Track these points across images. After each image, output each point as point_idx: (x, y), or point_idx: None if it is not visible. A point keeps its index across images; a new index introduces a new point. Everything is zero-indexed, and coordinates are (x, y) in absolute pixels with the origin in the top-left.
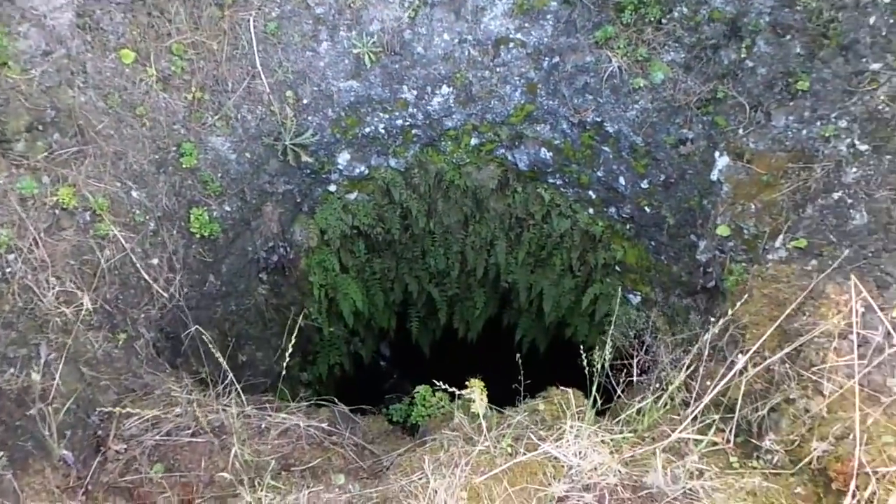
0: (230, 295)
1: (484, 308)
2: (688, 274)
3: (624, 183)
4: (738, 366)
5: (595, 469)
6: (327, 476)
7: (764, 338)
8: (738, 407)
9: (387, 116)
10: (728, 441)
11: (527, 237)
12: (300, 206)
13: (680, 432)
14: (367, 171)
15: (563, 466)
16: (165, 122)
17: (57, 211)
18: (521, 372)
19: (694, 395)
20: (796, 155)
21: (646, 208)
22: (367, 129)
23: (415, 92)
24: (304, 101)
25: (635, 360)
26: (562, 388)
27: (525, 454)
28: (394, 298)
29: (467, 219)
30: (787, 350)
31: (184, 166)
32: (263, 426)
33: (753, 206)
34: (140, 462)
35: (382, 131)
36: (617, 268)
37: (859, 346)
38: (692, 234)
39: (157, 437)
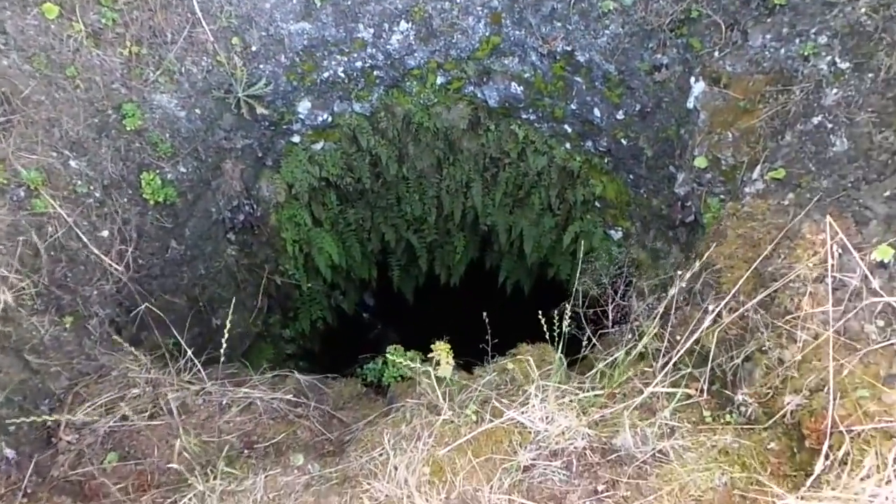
0: (197, 259)
1: (464, 252)
2: (668, 207)
3: (599, 115)
4: (710, 317)
5: (563, 434)
6: (286, 457)
7: (738, 285)
8: (710, 356)
9: (345, 59)
10: (702, 392)
11: (503, 177)
12: (263, 160)
13: (651, 388)
14: (330, 119)
15: (529, 432)
16: (102, 81)
17: None
18: (489, 331)
19: (664, 345)
20: (774, 77)
21: (622, 140)
22: (326, 74)
23: (371, 30)
24: (253, 49)
25: (610, 307)
26: (531, 344)
27: (491, 421)
28: (372, 248)
29: (440, 162)
30: (759, 297)
31: (128, 128)
32: (225, 402)
33: (731, 135)
34: (93, 452)
35: (342, 75)
36: (597, 204)
37: (835, 289)
38: (671, 165)
39: (112, 424)
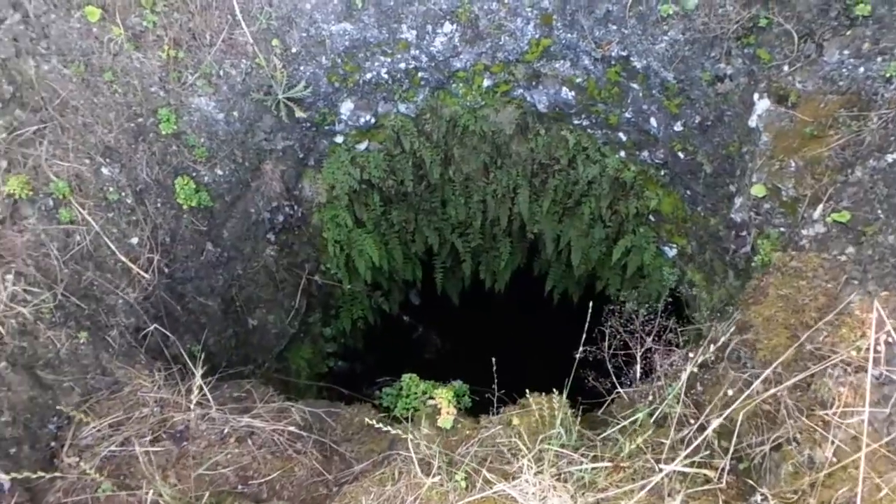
0: (235, 259)
1: (510, 259)
2: (726, 228)
3: (656, 124)
4: (738, 401)
5: None
6: None
7: (771, 367)
8: (736, 432)
9: (388, 60)
10: (721, 475)
11: (552, 184)
12: (304, 161)
13: (666, 471)
14: (374, 120)
15: None
16: (140, 85)
17: (14, 199)
18: (496, 380)
19: (688, 411)
20: (850, 99)
21: (680, 153)
22: (369, 75)
23: (414, 31)
24: (294, 50)
25: (638, 355)
26: (542, 394)
27: (482, 491)
28: (415, 250)
29: (486, 166)
30: (794, 380)
31: (164, 133)
32: (226, 431)
33: (794, 164)
34: (89, 479)
35: (386, 76)
36: (651, 217)
37: (882, 384)
38: (731, 184)
39: (113, 448)
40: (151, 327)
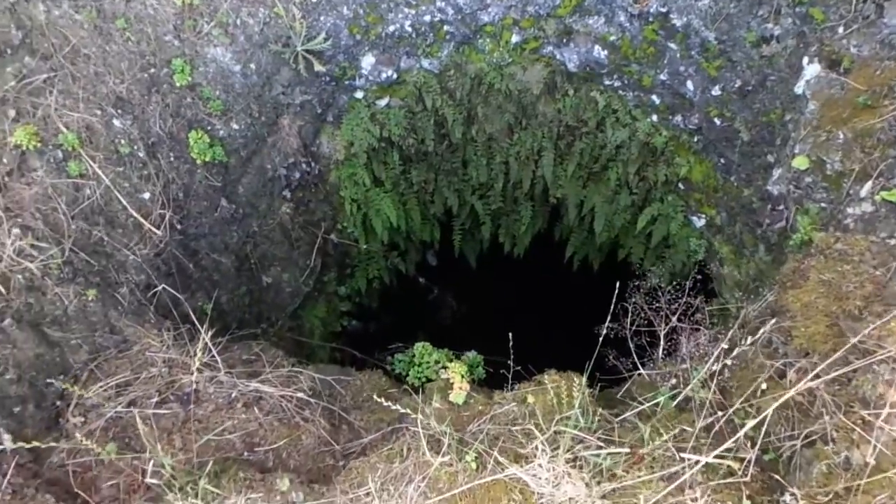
0: (250, 216)
1: (531, 223)
2: (760, 200)
3: (692, 88)
4: (771, 394)
5: (569, 502)
6: (273, 477)
7: (817, 364)
8: (765, 424)
9: (412, 12)
10: (747, 468)
11: (578, 147)
12: (323, 116)
13: (689, 462)
14: (395, 76)
15: (532, 493)
16: (153, 33)
17: (22, 150)
18: (512, 355)
19: (715, 396)
20: None
21: (716, 119)
22: (392, 28)
23: None
24: (313, 0)
25: (662, 332)
26: (560, 373)
27: (493, 473)
28: (434, 211)
29: (511, 126)
30: (834, 374)
31: (178, 84)
32: (234, 395)
33: (842, 135)
34: (94, 438)
35: (409, 29)
36: (680, 185)
37: None
38: (769, 154)
39: (119, 409)
40: (160, 287)
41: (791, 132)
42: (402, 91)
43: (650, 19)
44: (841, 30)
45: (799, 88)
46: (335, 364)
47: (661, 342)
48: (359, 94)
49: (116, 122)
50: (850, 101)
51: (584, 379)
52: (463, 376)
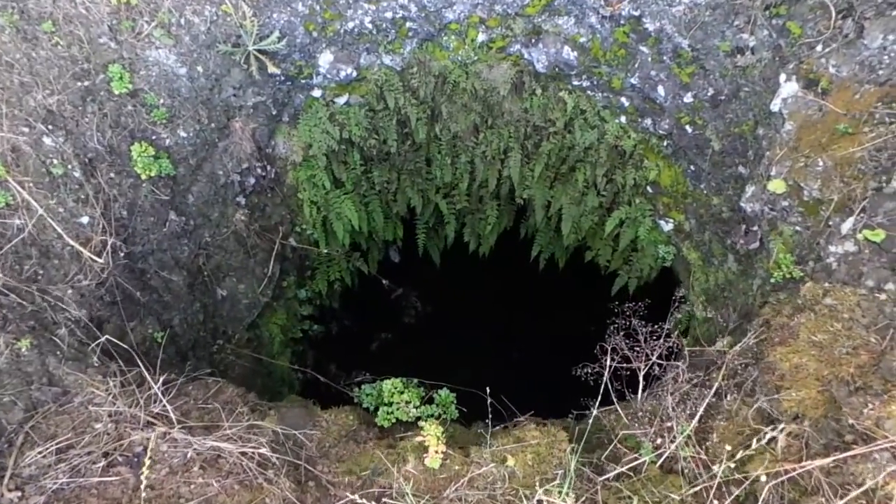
0: (201, 227)
1: (497, 223)
2: (730, 210)
3: (663, 93)
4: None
5: None
6: None
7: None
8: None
9: (373, 7)
10: None
11: (545, 148)
12: (278, 116)
13: None
14: (355, 73)
15: None
16: (86, 36)
17: None
18: (490, 413)
19: (701, 456)
20: (890, 92)
21: (687, 127)
22: (351, 24)
23: None
24: None
25: (641, 370)
26: (539, 426)
27: None
28: (397, 210)
29: (476, 126)
30: (830, 459)
31: (116, 92)
32: (189, 456)
33: (821, 162)
34: None
35: (369, 26)
36: (648, 189)
37: None
38: (740, 165)
39: (62, 478)
40: (102, 339)
41: (765, 149)
42: (362, 88)
43: (622, 22)
44: (819, 48)
45: (775, 106)
46: (299, 397)
47: (640, 386)
48: (316, 93)
49: (47, 140)
50: (828, 124)
51: (570, 443)
52: (438, 438)
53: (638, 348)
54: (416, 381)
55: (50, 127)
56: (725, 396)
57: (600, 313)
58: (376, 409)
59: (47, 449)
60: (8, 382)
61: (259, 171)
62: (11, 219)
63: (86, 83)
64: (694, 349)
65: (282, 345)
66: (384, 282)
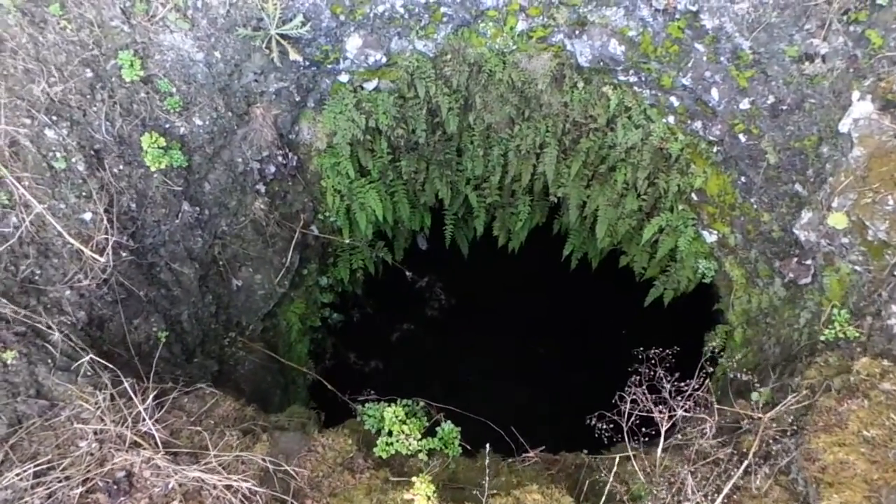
0: (217, 217)
1: (528, 219)
2: (781, 230)
3: (717, 97)
4: None
5: None
6: None
7: None
8: None
9: None
10: None
11: (584, 145)
12: (302, 103)
13: None
14: (385, 60)
15: None
16: (97, 19)
17: None
18: (489, 448)
19: None
20: None
21: (741, 135)
22: (381, 8)
23: None
24: None
25: (662, 425)
26: (542, 492)
27: None
28: (425, 201)
29: (512, 118)
30: None
31: (127, 79)
32: (171, 486)
33: (892, 200)
34: None
35: (401, 10)
36: (693, 196)
37: None
38: (797, 182)
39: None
40: (87, 358)
41: (828, 173)
42: (392, 74)
43: (677, 16)
44: None
45: (844, 126)
46: (300, 409)
47: (662, 438)
48: (343, 78)
49: (49, 133)
50: None
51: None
52: (429, 497)
53: (662, 398)
54: (421, 404)
55: (53, 118)
56: (755, 474)
57: (631, 321)
58: (378, 431)
59: (25, 472)
60: None
61: (280, 158)
62: (7, 218)
63: (95, 69)
64: (724, 408)
65: (300, 333)
66: (407, 273)
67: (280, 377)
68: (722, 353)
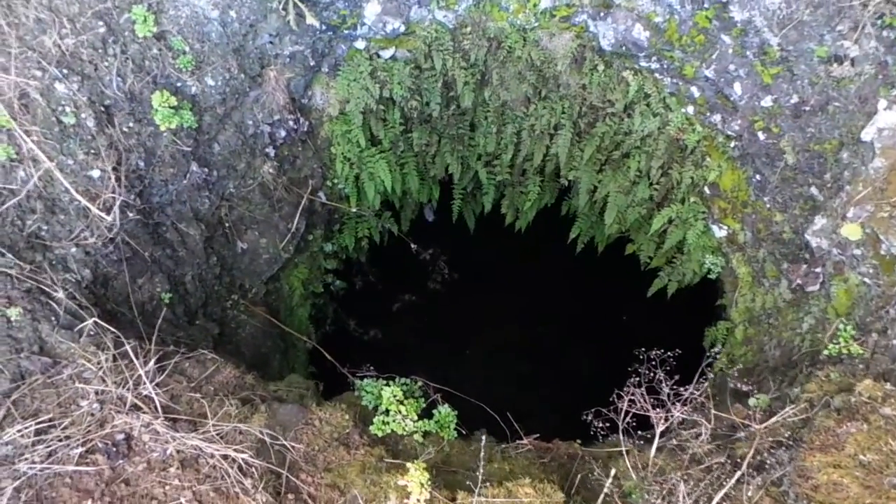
0: (226, 178)
1: (537, 199)
2: (793, 232)
3: (740, 91)
4: None
5: None
6: None
7: None
8: None
9: None
10: None
11: (600, 130)
12: (316, 67)
13: None
14: (403, 28)
15: None
16: None
17: None
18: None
19: None
20: None
21: (760, 133)
22: None
23: None
24: None
25: (657, 425)
26: (534, 487)
27: None
28: (434, 174)
29: (528, 97)
30: None
31: (140, 35)
32: (169, 452)
33: None
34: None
35: None
36: (706, 189)
37: None
38: (814, 185)
39: (36, 463)
40: (90, 321)
41: (846, 180)
42: (409, 43)
43: (706, 5)
44: None
45: (867, 135)
46: (299, 379)
47: (656, 439)
48: (360, 44)
49: (59, 87)
50: None
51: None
52: (423, 485)
53: (661, 401)
54: (419, 383)
55: (65, 71)
56: (747, 484)
57: (632, 308)
58: (375, 407)
59: (27, 428)
60: None
61: (291, 122)
62: (14, 172)
63: (108, 21)
64: (721, 414)
65: (302, 298)
66: (412, 246)
67: (280, 341)
68: (721, 349)
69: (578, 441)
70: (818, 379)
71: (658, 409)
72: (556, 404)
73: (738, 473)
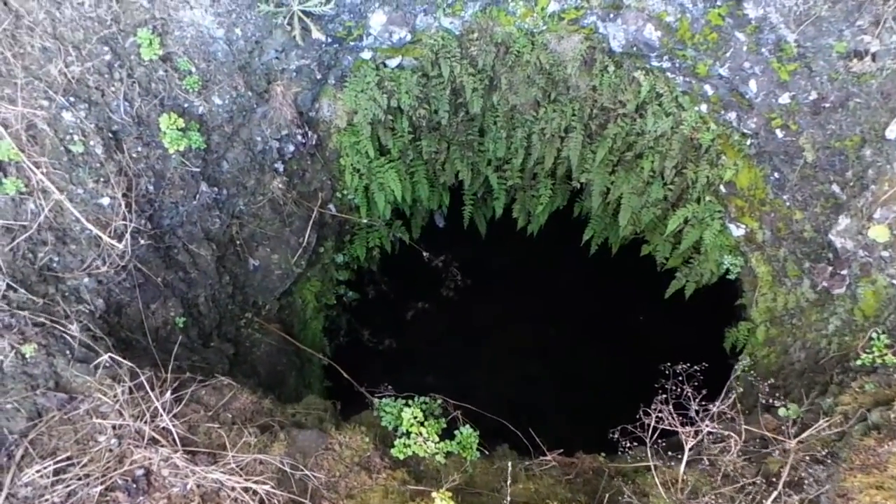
0: (235, 196)
1: (549, 203)
2: (814, 231)
3: (755, 89)
4: None
5: None
6: None
7: None
8: None
9: None
10: None
11: (611, 131)
12: (323, 80)
13: None
14: (409, 37)
15: None
16: None
17: None
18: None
19: None
20: None
21: (777, 130)
22: None
23: None
24: None
25: (686, 441)
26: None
27: None
28: (444, 181)
29: (538, 101)
30: None
31: (146, 58)
32: (189, 486)
33: None
34: None
35: None
36: (722, 188)
37: None
38: (835, 183)
39: (56, 502)
40: (105, 356)
41: (870, 179)
42: (416, 51)
43: (718, 3)
44: None
45: (891, 132)
46: (317, 399)
47: (685, 455)
48: (366, 55)
49: (67, 115)
50: None
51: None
52: None
53: (689, 418)
54: (438, 401)
55: (71, 99)
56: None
57: (649, 310)
58: (395, 428)
59: (45, 468)
60: (12, 387)
61: (299, 136)
62: (24, 205)
63: (114, 46)
64: (751, 428)
65: (315, 311)
66: (424, 253)
67: (295, 357)
68: (745, 356)
69: (603, 454)
70: (852, 390)
71: (686, 426)
72: (575, 408)
73: (775, 493)
